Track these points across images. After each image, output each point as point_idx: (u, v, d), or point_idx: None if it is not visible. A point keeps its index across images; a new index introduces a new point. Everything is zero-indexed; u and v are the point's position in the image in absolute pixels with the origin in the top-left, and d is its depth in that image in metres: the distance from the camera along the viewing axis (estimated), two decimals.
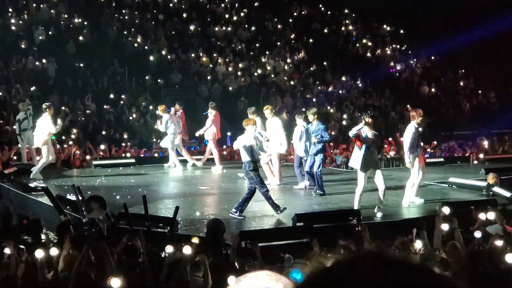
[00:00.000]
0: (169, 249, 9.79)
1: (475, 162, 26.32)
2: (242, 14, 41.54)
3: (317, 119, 18.06)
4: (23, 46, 32.55)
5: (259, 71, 36.58)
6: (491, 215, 12.61)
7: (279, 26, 41.23)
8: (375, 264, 1.63)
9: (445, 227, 11.46)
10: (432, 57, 41.91)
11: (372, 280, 1.60)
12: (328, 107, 34.11)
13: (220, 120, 22.81)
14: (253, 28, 40.17)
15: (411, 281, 1.60)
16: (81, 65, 32.67)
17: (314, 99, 34.83)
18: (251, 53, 38.18)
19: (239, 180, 19.60)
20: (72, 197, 14.99)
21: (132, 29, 36.61)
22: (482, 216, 12.60)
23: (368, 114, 15.16)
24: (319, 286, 1.66)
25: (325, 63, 39.07)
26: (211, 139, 22.38)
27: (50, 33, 34.16)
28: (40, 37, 33.53)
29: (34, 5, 35.58)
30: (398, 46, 43.12)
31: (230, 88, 34.47)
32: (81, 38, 34.33)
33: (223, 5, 41.58)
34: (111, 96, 31.45)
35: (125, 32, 36.20)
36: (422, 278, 1.63)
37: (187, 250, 9.50)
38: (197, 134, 23.31)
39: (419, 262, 1.69)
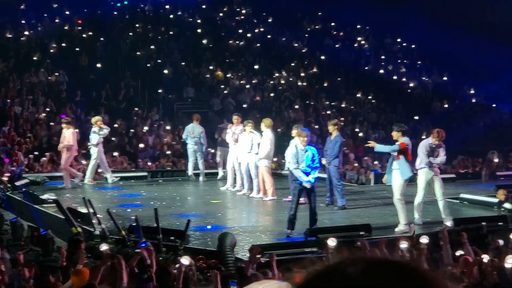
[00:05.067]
0: (184, 260, 9.80)
1: (485, 177, 26.24)
2: (255, 28, 41.66)
3: (337, 130, 17.97)
4: (35, 58, 32.77)
5: (272, 85, 36.63)
6: None
7: (293, 42, 41.27)
8: (362, 265, 1.68)
9: None
10: (445, 73, 41.81)
11: (358, 280, 1.66)
12: (342, 123, 34.06)
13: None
14: (266, 43, 40.25)
15: (397, 280, 1.66)
16: (94, 77, 32.85)
17: (328, 113, 34.79)
18: (264, 67, 38.22)
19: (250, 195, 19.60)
20: (83, 209, 15.02)
21: (145, 43, 36.77)
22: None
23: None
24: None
25: (338, 78, 39.09)
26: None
27: (63, 45, 34.40)
28: (52, 50, 33.74)
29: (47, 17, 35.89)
30: (410, 62, 43.06)
31: (243, 102, 34.47)
32: (94, 50, 34.57)
33: (237, 20, 41.75)
34: (124, 109, 31.56)
35: (138, 45, 36.35)
36: (408, 276, 1.67)
37: (185, 260, 9.57)
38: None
39: (405, 261, 1.73)
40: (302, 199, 14.75)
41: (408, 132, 15.30)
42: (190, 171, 23.11)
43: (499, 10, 40.36)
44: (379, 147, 15.57)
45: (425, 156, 15.39)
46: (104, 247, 10.74)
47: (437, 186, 15.50)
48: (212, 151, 26.76)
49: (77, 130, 22.50)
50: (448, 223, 13.37)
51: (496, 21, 39.56)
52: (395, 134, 14.99)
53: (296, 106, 35.00)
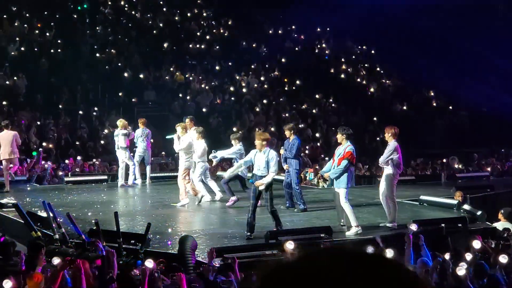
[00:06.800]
0: (149, 264, 9.79)
1: (446, 180, 26.47)
2: (215, 31, 41.66)
3: (294, 134, 18.01)
4: None
5: (232, 88, 36.65)
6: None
7: (253, 45, 41.32)
8: (334, 256, 1.66)
9: (476, 244, 11.76)
10: (404, 77, 42.13)
11: (332, 272, 1.62)
12: (302, 125, 34.21)
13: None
14: (227, 46, 40.24)
15: (369, 270, 1.64)
16: (54, 81, 32.59)
17: (287, 115, 34.91)
18: (225, 70, 38.24)
19: (214, 197, 19.57)
20: (43, 213, 14.90)
21: (106, 46, 36.58)
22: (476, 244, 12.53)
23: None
24: (280, 280, 1.68)
25: (298, 81, 39.18)
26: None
27: (22, 48, 34.08)
28: (13, 53, 33.43)
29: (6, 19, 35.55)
30: (370, 65, 43.34)
31: (203, 106, 34.45)
32: (53, 54, 34.33)
33: (197, 23, 41.69)
34: (84, 112, 31.37)
35: (98, 49, 36.18)
36: (380, 266, 1.66)
37: (149, 263, 9.56)
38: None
39: (374, 253, 1.71)
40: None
41: (352, 135, 15.32)
42: (138, 176, 23.16)
43: None
44: (333, 174, 15.09)
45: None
46: (56, 261, 10.62)
47: (380, 186, 15.69)
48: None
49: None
50: (413, 226, 13.44)
51: None
52: (339, 137, 15.11)
53: (257, 109, 35.07)
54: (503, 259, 11.38)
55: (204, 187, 19.35)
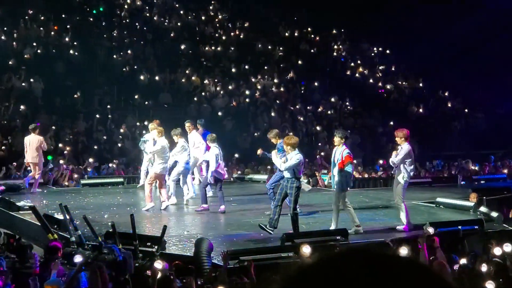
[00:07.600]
0: (158, 265, 9.81)
1: (462, 182, 26.40)
2: (231, 34, 41.69)
3: (279, 139, 17.74)
4: (10, 63, 32.49)
5: (248, 90, 36.60)
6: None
7: (268, 47, 41.29)
8: (361, 258, 1.65)
9: (497, 251, 11.69)
10: (420, 78, 42.02)
11: (359, 274, 1.60)
12: (317, 127, 34.18)
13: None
14: (242, 48, 40.25)
15: (397, 274, 1.61)
16: (70, 84, 32.66)
17: (301, 118, 34.89)
18: (240, 72, 38.21)
19: (230, 200, 19.55)
20: (59, 216, 14.95)
21: (121, 49, 36.65)
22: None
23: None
24: (305, 282, 1.65)
25: (314, 83, 39.10)
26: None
27: (39, 51, 34.17)
28: (26, 56, 33.44)
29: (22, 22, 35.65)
30: (386, 67, 43.24)
31: (219, 110, 34.42)
32: (70, 57, 34.43)
33: (213, 25, 41.74)
34: (100, 115, 31.43)
35: (114, 51, 36.25)
36: (410, 270, 1.63)
37: (158, 264, 9.58)
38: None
39: (403, 256, 1.70)
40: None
41: (348, 138, 15.56)
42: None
43: None
44: (345, 183, 15.27)
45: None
46: (78, 258, 10.66)
47: (394, 188, 15.67)
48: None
49: (40, 138, 22.09)
50: (430, 229, 13.41)
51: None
52: (337, 140, 15.20)
53: (272, 112, 35.01)
54: (506, 248, 11.37)
55: (173, 188, 19.48)
